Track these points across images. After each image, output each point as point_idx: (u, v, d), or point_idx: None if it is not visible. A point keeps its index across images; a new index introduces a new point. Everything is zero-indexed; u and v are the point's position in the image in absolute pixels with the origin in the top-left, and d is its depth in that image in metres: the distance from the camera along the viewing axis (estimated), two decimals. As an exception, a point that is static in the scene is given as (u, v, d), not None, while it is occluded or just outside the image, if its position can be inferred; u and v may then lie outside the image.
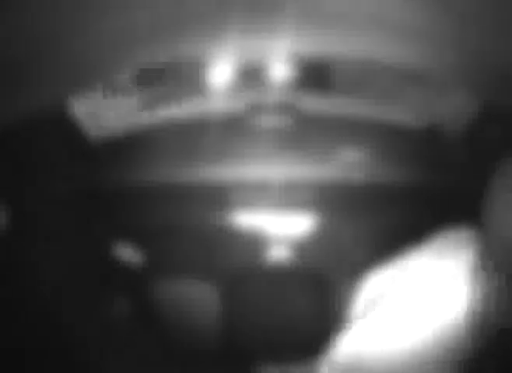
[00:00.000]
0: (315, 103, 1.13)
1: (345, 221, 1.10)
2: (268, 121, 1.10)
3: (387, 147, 1.10)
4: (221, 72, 1.15)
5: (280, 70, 1.14)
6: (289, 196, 1.10)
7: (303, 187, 1.10)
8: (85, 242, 1.05)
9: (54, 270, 0.97)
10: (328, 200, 1.09)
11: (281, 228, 1.10)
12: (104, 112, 1.10)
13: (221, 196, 1.09)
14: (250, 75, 1.16)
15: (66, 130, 1.03)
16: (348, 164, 1.10)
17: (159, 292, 1.07)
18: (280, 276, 1.10)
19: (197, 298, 1.08)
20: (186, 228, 1.08)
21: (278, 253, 1.10)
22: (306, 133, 1.10)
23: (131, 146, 1.10)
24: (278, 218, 1.10)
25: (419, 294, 0.64)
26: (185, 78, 1.19)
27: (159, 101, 1.16)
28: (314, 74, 1.20)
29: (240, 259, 1.09)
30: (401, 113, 1.14)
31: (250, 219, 1.10)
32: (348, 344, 0.68)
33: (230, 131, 1.09)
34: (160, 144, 1.10)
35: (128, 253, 1.07)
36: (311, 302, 1.10)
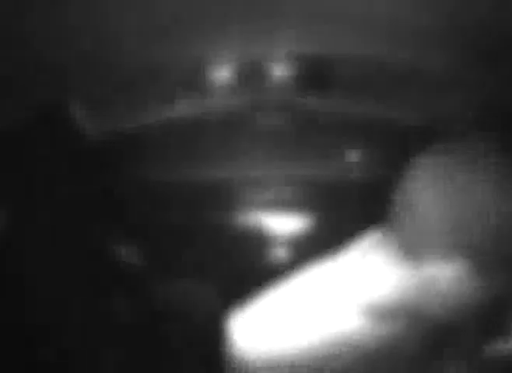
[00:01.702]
0: (315, 103, 1.13)
1: (346, 220, 1.10)
2: (268, 121, 1.09)
3: (387, 147, 1.10)
4: (221, 72, 1.15)
5: (280, 70, 1.14)
6: (289, 196, 1.10)
7: (303, 187, 1.10)
8: (86, 243, 1.05)
9: (54, 270, 0.97)
10: (329, 199, 1.10)
11: (281, 228, 1.10)
12: (104, 112, 1.11)
13: (220, 196, 1.09)
14: (251, 75, 1.16)
15: (66, 130, 1.03)
16: (348, 164, 1.10)
17: (159, 292, 1.07)
18: (280, 275, 1.10)
19: (196, 298, 1.08)
20: (185, 227, 1.09)
21: (278, 253, 1.10)
22: (306, 133, 1.10)
23: (131, 146, 1.10)
24: (278, 218, 1.10)
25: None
26: (185, 77, 1.19)
27: (159, 101, 1.16)
28: (314, 74, 1.20)
29: (239, 259, 1.09)
30: (401, 113, 1.14)
31: (249, 219, 1.10)
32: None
33: (230, 131, 1.09)
34: (159, 144, 1.10)
35: (127, 253, 1.07)
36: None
